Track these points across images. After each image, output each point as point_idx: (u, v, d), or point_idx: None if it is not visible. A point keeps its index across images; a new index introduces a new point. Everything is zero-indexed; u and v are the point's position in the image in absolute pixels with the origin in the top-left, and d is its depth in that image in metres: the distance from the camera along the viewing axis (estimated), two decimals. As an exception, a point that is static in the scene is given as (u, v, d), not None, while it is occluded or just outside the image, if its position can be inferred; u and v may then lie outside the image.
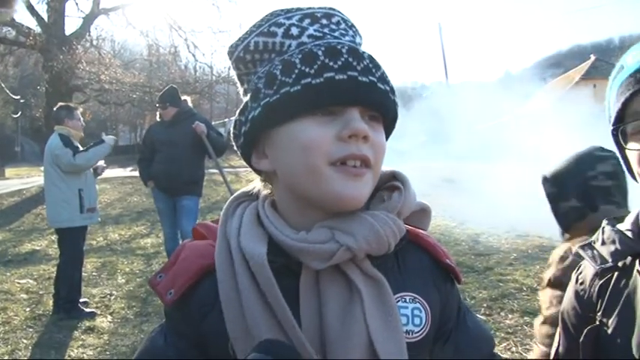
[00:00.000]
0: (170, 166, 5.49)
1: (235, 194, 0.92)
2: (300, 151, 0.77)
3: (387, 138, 0.85)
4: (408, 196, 0.86)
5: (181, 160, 5.47)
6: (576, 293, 1.13)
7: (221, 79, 22.04)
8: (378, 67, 0.81)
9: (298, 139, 0.77)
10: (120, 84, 18.52)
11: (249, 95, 0.83)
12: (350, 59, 0.77)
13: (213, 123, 10.73)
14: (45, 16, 16.95)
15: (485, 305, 4.85)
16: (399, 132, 0.91)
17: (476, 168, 13.79)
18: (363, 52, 0.81)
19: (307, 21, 0.83)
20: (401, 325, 0.79)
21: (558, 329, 1.21)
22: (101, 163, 5.42)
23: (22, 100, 30.10)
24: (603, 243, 1.08)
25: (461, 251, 7.00)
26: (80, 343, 4.44)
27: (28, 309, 5.27)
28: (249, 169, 0.90)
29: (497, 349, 4.39)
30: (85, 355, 4.22)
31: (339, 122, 0.77)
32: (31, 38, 15.97)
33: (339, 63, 0.77)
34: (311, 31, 0.81)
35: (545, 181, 1.84)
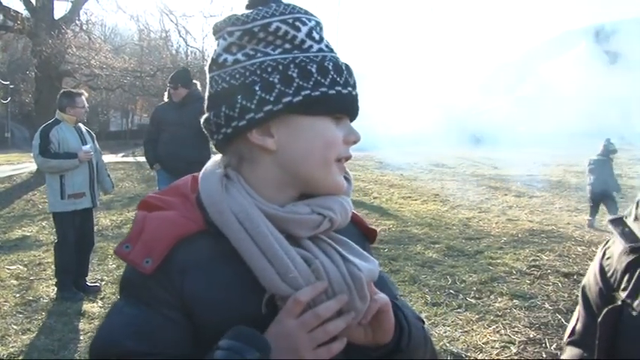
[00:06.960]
0: (175, 146, 5.48)
1: (209, 175, 0.93)
2: (322, 145, 0.90)
3: None
4: (352, 185, 1.02)
5: (187, 141, 5.37)
6: (601, 269, 1.04)
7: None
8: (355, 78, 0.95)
9: (323, 135, 0.90)
10: (110, 69, 18.23)
11: (270, 74, 0.88)
12: (348, 76, 0.92)
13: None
14: (33, -1, 16.68)
15: (475, 289, 4.89)
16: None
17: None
18: (350, 67, 0.94)
19: (319, 29, 0.94)
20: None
21: (578, 306, 1.12)
22: (86, 147, 5.11)
23: (11, 86, 29.74)
24: (636, 219, 0.99)
25: (452, 235, 7.04)
26: (71, 328, 4.44)
27: (18, 295, 5.26)
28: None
29: (486, 332, 4.40)
30: (75, 340, 4.21)
31: (342, 128, 0.93)
32: (18, 22, 15.62)
33: (348, 79, 0.92)
34: (325, 42, 0.93)
35: None
